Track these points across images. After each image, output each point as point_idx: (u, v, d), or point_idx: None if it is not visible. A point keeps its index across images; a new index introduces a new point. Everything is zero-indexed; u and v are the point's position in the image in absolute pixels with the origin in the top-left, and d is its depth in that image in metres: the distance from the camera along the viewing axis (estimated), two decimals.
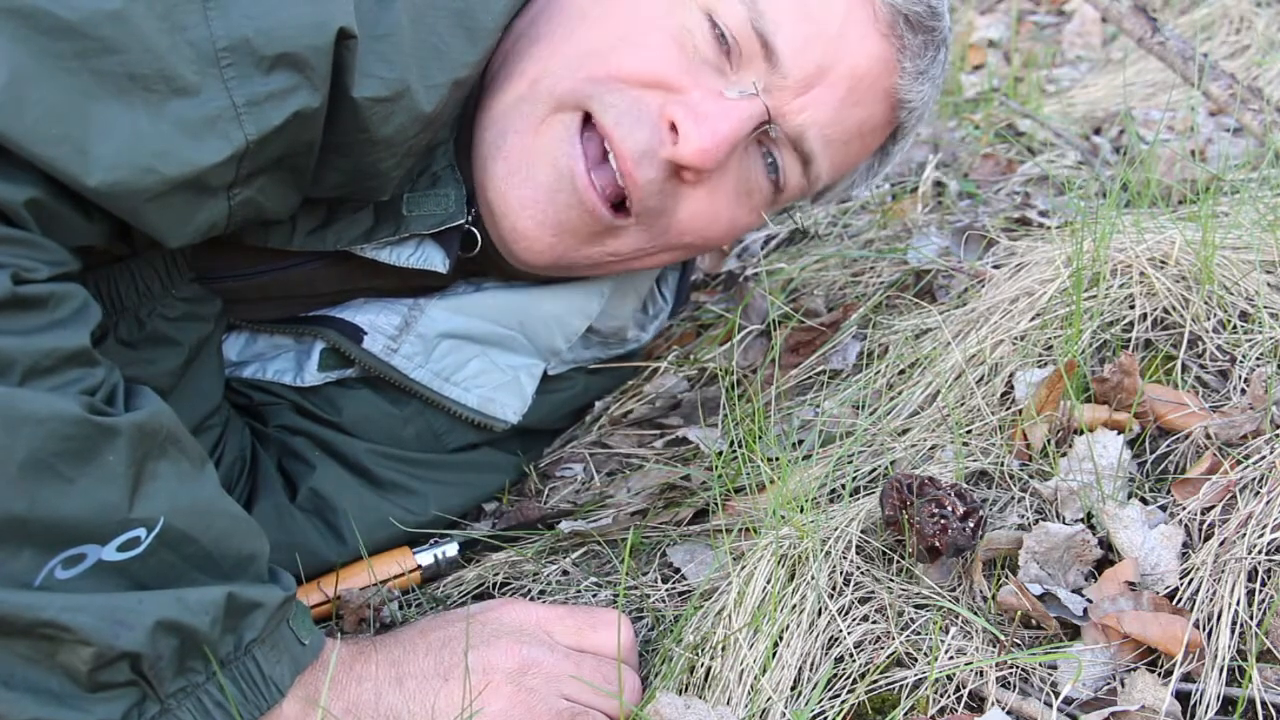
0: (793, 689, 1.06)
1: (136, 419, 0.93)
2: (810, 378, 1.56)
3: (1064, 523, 1.17)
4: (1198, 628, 1.04)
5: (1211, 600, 1.06)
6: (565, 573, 1.32)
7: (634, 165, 1.22)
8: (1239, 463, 1.17)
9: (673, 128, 1.22)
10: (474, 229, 1.29)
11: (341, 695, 1.02)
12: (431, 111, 1.12)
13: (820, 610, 1.10)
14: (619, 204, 1.26)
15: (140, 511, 0.92)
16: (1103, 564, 1.12)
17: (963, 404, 1.35)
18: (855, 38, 1.26)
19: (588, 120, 1.23)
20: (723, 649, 1.09)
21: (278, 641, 0.99)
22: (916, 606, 1.11)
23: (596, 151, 1.23)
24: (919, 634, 1.08)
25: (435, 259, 1.29)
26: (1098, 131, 2.29)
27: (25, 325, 0.90)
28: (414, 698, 1.03)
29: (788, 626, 1.09)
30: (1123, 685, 1.01)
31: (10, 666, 0.88)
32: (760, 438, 1.37)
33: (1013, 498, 1.23)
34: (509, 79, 1.25)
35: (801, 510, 1.18)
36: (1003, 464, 1.26)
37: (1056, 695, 1.01)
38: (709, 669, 1.09)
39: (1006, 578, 1.10)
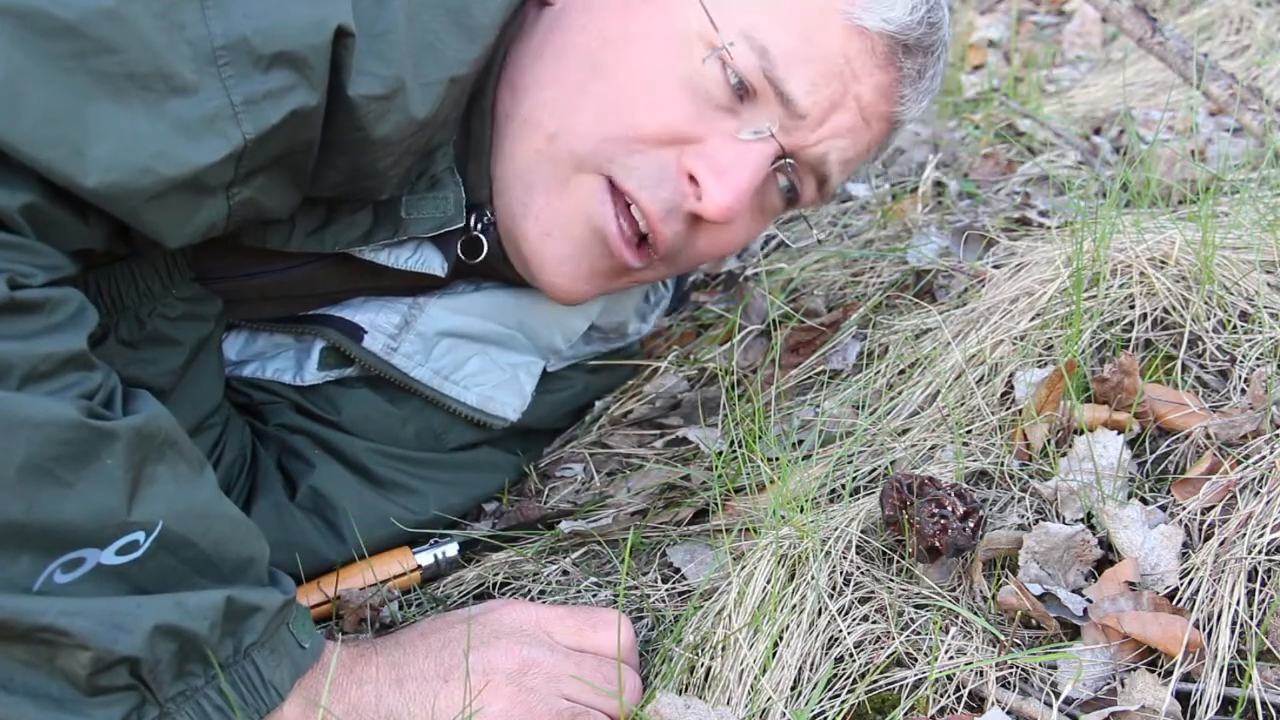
0: (793, 689, 1.06)
1: (134, 423, 0.93)
2: (810, 378, 1.56)
3: (1064, 523, 1.17)
4: (1198, 628, 1.04)
5: (1211, 600, 1.06)
6: (565, 573, 1.32)
7: (660, 223, 1.25)
8: (1239, 463, 1.17)
9: (691, 179, 1.24)
10: (482, 236, 1.30)
11: (342, 698, 1.02)
12: (428, 111, 1.12)
13: (820, 610, 1.10)
14: (642, 238, 1.28)
15: (139, 515, 0.92)
16: (1103, 564, 1.12)
17: (963, 404, 1.35)
18: (857, 68, 1.26)
19: (611, 183, 1.24)
20: (723, 649, 1.09)
21: (277, 645, 0.99)
22: (916, 606, 1.11)
23: (623, 208, 1.26)
24: (919, 634, 1.08)
25: (433, 262, 1.29)
26: (1098, 131, 2.29)
27: (22, 330, 0.90)
28: (414, 699, 1.03)
29: (788, 626, 1.09)
30: (1123, 685, 1.01)
31: (9, 671, 0.88)
32: (760, 438, 1.37)
33: (1013, 498, 1.23)
34: (525, 126, 1.25)
35: (801, 510, 1.18)
36: (1003, 464, 1.26)
37: (1056, 695, 1.01)
38: (709, 669, 1.09)
39: (1006, 578, 1.10)
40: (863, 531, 1.17)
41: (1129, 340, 1.34)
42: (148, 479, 0.94)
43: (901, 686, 1.04)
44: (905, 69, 1.29)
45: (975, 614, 1.08)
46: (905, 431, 1.35)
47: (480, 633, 1.08)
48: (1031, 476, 1.24)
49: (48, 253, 0.95)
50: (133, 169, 0.96)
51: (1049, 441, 1.26)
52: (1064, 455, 1.24)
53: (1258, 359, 1.28)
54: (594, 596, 1.27)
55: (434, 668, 1.05)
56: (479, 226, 1.29)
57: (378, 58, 1.07)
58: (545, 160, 1.25)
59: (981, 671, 1.04)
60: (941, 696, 1.03)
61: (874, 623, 1.10)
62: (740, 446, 1.38)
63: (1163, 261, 1.38)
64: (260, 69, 1.00)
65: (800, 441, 1.38)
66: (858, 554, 1.15)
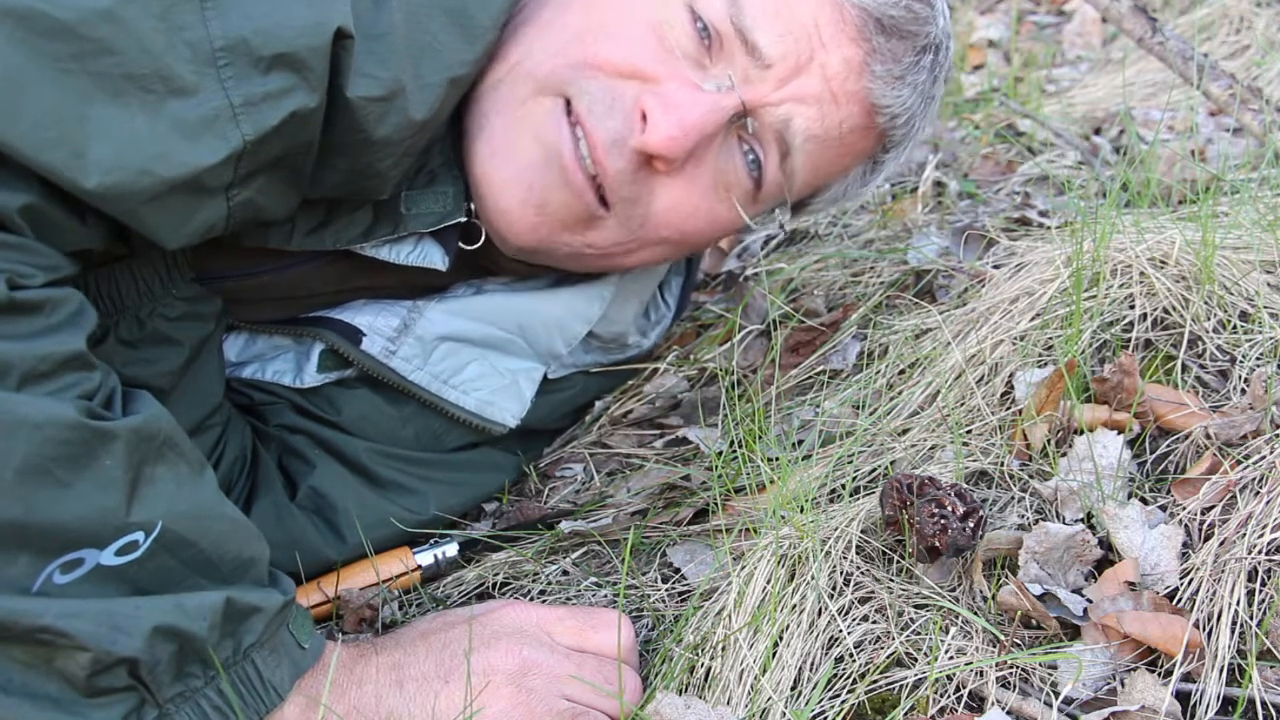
0: (793, 689, 1.06)
1: (134, 423, 0.93)
2: (810, 378, 1.56)
3: (1064, 523, 1.17)
4: (1198, 628, 1.04)
5: (1211, 600, 1.06)
6: (565, 573, 1.32)
7: (604, 153, 1.22)
8: (1239, 463, 1.17)
9: (644, 117, 1.22)
10: (477, 221, 1.29)
11: (342, 698, 1.02)
12: (428, 112, 1.12)
13: (820, 610, 1.10)
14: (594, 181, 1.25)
15: (138, 515, 0.92)
16: (1103, 564, 1.12)
17: (963, 404, 1.35)
18: (825, 36, 1.26)
19: (569, 107, 1.23)
20: (723, 649, 1.09)
21: (277, 645, 0.99)
22: (916, 606, 1.11)
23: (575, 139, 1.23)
24: (919, 634, 1.08)
25: (434, 256, 1.29)
26: (1098, 131, 2.29)
27: (20, 330, 0.90)
28: (414, 700, 1.03)
29: (788, 626, 1.09)
30: (1123, 685, 1.01)
31: (8, 672, 0.88)
32: (760, 438, 1.37)
33: (1013, 498, 1.23)
34: (492, 63, 1.25)
35: (801, 510, 1.18)
36: (1003, 464, 1.26)
37: (1056, 695, 1.01)
38: (709, 669, 1.09)
39: (1006, 578, 1.10)
40: (863, 531, 1.17)
41: (1129, 340, 1.34)
42: (147, 479, 0.94)
43: (901, 686, 1.04)
44: (877, 45, 1.27)
45: (975, 614, 1.08)
46: (905, 431, 1.35)
47: (481, 633, 1.08)
48: (1031, 476, 1.24)
49: (47, 253, 0.95)
50: (132, 170, 0.96)
51: (1049, 441, 1.26)
52: (1064, 455, 1.24)
53: (1258, 359, 1.28)
54: (594, 596, 1.27)
55: (434, 668, 1.05)
56: (476, 213, 1.29)
57: (376, 60, 1.07)
58: (504, 84, 1.24)
59: (981, 671, 1.04)
60: (941, 696, 1.03)
61: (874, 623, 1.10)
62: (740, 446, 1.38)
63: (1163, 261, 1.38)
64: (260, 70, 1.00)
65: (800, 441, 1.38)
66: (858, 554, 1.15)
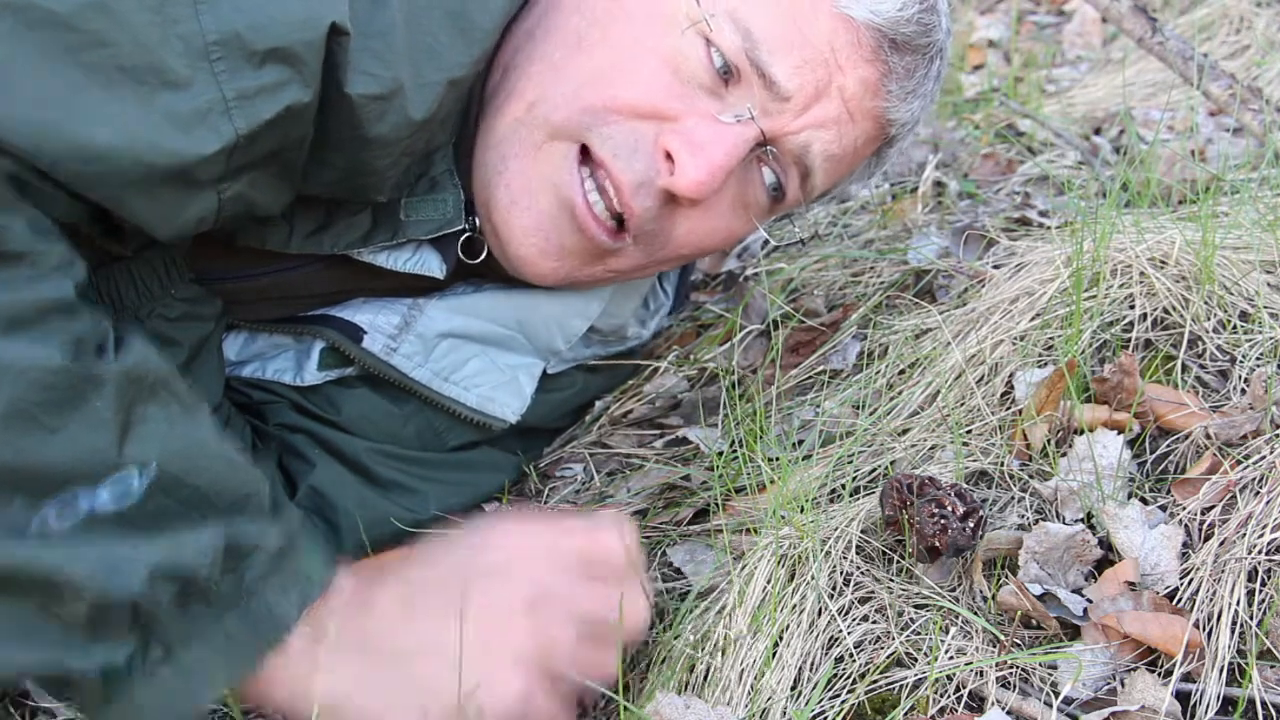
0: (793, 689, 1.06)
1: (124, 365, 0.92)
2: (810, 378, 1.56)
3: (1064, 523, 1.17)
4: (1198, 628, 1.04)
5: (1211, 600, 1.06)
6: None
7: (631, 196, 1.23)
8: (1239, 463, 1.17)
9: (668, 157, 1.22)
10: (480, 237, 1.30)
11: (351, 630, 1.00)
12: (426, 112, 1.12)
13: (820, 610, 1.10)
14: (618, 221, 1.26)
15: (131, 455, 0.91)
16: (1103, 564, 1.12)
17: (963, 404, 1.35)
18: (842, 60, 1.26)
19: (585, 150, 1.23)
20: (723, 649, 1.09)
21: (282, 578, 0.97)
22: (916, 606, 1.11)
23: (595, 178, 1.24)
24: (919, 634, 1.08)
25: (432, 264, 1.29)
26: (1098, 131, 2.29)
27: (3, 278, 0.89)
28: (425, 632, 1.00)
29: (788, 626, 1.09)
30: (1123, 685, 1.01)
31: (9, 619, 0.87)
32: (760, 438, 1.37)
33: (1013, 498, 1.23)
34: (508, 99, 1.25)
35: (801, 510, 1.18)
36: (1003, 464, 1.26)
37: (1056, 695, 1.01)
38: (709, 668, 1.09)
39: (1006, 578, 1.10)
40: (863, 531, 1.17)
41: (1129, 340, 1.34)
42: (139, 419, 0.92)
43: (901, 686, 1.04)
44: (893, 65, 1.28)
45: (975, 614, 1.08)
46: (905, 431, 1.35)
47: (488, 565, 1.05)
48: (1031, 476, 1.24)
49: (31, 211, 0.94)
50: (121, 157, 0.96)
51: (1049, 441, 1.26)
52: (1064, 455, 1.24)
53: (1258, 359, 1.28)
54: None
55: (444, 601, 1.02)
56: (478, 227, 1.29)
57: (375, 58, 1.07)
58: (522, 127, 1.24)
59: (981, 671, 1.04)
60: (941, 696, 1.03)
61: (874, 623, 1.10)
62: (740, 446, 1.38)
63: (1163, 261, 1.38)
64: (253, 65, 1.00)
65: (800, 441, 1.38)
66: (858, 554, 1.15)
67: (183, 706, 0.93)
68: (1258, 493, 1.12)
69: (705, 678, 1.09)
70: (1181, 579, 1.09)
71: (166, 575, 0.90)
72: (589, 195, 1.23)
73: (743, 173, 1.29)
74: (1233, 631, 1.04)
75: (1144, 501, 1.18)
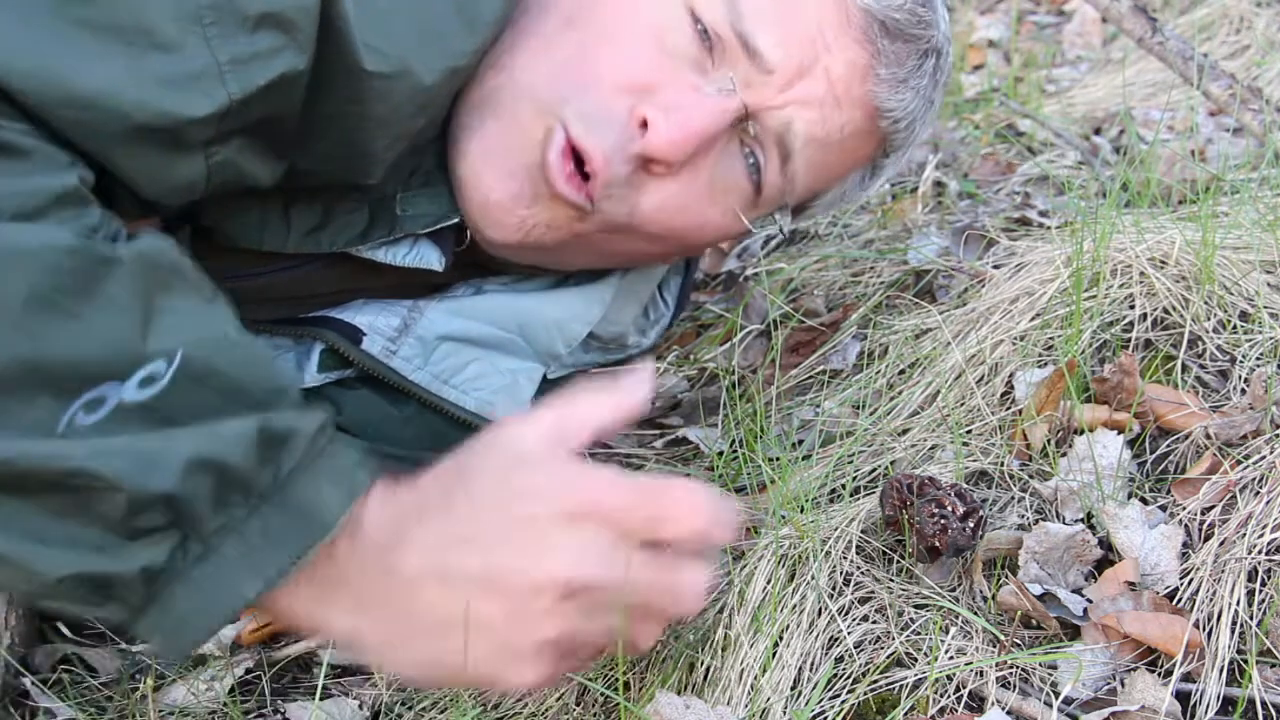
0: (793, 689, 1.06)
1: (138, 246, 0.89)
2: (810, 378, 1.56)
3: (1064, 523, 1.17)
4: (1198, 628, 1.04)
5: (1211, 600, 1.06)
6: None
7: (604, 163, 1.21)
8: (1239, 463, 1.17)
9: (644, 125, 1.21)
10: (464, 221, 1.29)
11: (395, 524, 0.94)
12: (429, 97, 1.12)
13: (820, 610, 1.10)
14: (585, 179, 1.24)
15: (155, 344, 0.87)
16: (1103, 564, 1.12)
17: (963, 404, 1.35)
18: (830, 39, 1.25)
19: (564, 128, 1.22)
20: (723, 648, 1.10)
21: (322, 468, 0.92)
22: (916, 606, 1.11)
23: (570, 152, 1.22)
24: (919, 634, 1.08)
25: (431, 257, 1.29)
26: (1098, 131, 2.29)
27: (6, 169, 0.87)
28: (476, 554, 0.93)
29: (788, 626, 1.09)
30: (1123, 685, 1.01)
31: (43, 522, 0.84)
32: (760, 438, 1.37)
33: (1013, 498, 1.23)
34: (490, 70, 1.24)
35: (801, 510, 1.18)
36: (1003, 464, 1.26)
37: (1056, 695, 1.01)
38: (709, 668, 1.09)
39: (1006, 578, 1.11)
40: (863, 531, 1.17)
41: (1129, 340, 1.34)
42: (160, 308, 0.89)
43: (901, 686, 1.04)
44: (882, 48, 1.27)
45: (975, 614, 1.08)
46: (905, 431, 1.36)
47: (532, 528, 0.94)
48: (1031, 476, 1.24)
49: (33, 122, 0.92)
50: (112, 109, 0.94)
51: (1049, 441, 1.26)
52: (1064, 455, 1.24)
53: (1258, 359, 1.28)
54: None
55: (497, 528, 0.94)
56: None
57: (381, 34, 1.06)
58: (504, 91, 1.22)
59: (981, 671, 1.04)
60: (941, 696, 1.03)
61: (874, 623, 1.10)
62: (740, 446, 1.38)
63: (1163, 261, 1.38)
64: (246, 29, 0.98)
65: (800, 441, 1.38)
66: (858, 554, 1.15)
67: (225, 605, 0.89)
68: (1258, 493, 1.12)
69: (705, 678, 1.09)
70: (1181, 579, 1.09)
71: (202, 467, 0.86)
72: (561, 156, 1.20)
73: (722, 157, 1.28)
74: (1233, 631, 1.04)
75: (1144, 501, 1.18)
